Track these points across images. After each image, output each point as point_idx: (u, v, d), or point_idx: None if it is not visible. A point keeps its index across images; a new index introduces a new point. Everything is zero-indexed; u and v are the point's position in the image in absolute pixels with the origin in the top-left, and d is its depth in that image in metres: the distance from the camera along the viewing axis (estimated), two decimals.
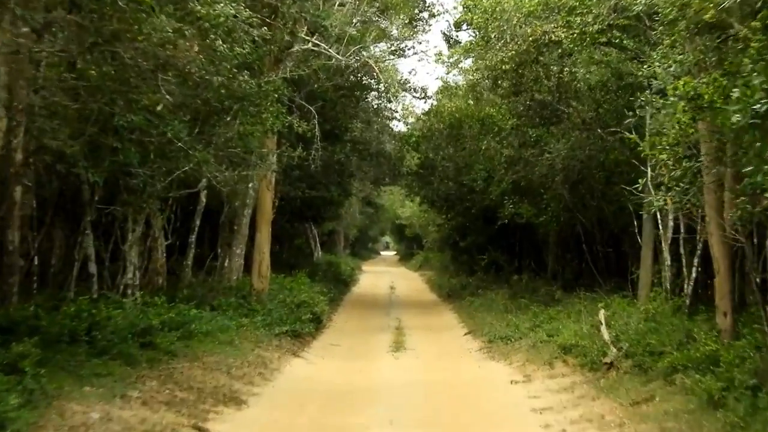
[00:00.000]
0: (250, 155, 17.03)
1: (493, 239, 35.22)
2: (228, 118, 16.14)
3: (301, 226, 38.89)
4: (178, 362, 13.46)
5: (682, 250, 17.38)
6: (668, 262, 17.73)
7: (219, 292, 19.54)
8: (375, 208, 61.41)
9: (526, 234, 32.19)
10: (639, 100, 14.77)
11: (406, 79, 29.49)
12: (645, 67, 14.97)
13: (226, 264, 24.00)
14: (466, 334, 22.18)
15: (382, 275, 54.50)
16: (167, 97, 12.17)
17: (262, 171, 18.61)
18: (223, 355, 14.72)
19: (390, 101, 30.61)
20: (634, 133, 18.41)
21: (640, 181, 14.50)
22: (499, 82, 22.74)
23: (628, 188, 16.54)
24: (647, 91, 14.29)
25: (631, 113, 16.08)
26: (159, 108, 12.26)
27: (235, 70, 14.57)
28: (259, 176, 20.32)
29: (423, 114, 31.91)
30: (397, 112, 31.86)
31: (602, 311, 16.31)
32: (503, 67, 20.30)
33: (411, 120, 31.62)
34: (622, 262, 23.50)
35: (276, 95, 17.04)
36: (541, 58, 20.60)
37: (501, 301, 25.61)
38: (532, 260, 31.38)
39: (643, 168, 16.62)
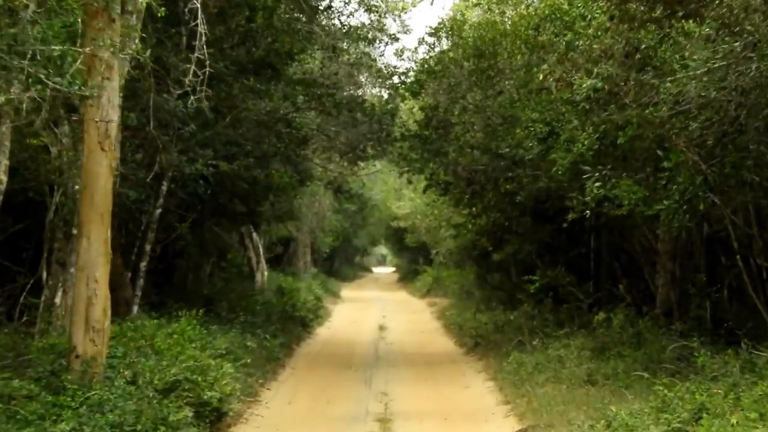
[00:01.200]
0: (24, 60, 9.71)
1: (548, 249, 28.16)
2: None
3: (232, 233, 31.79)
4: None
5: None
6: None
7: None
8: (358, 202, 54.14)
9: (607, 238, 25.09)
10: None
11: None
12: None
13: (58, 300, 17.01)
14: None
15: (370, 305, 47.40)
16: None
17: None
18: None
19: (370, 10, 23.53)
20: None
21: None
22: None
23: None
24: None
25: None
26: None
27: None
28: (87, 120, 13.10)
29: (428, 32, 24.74)
30: (381, 31, 24.72)
31: None
32: None
33: (406, 46, 24.53)
34: None
35: None
36: None
37: (578, 360, 18.50)
38: (623, 284, 24.23)
39: None
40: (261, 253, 35.15)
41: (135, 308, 20.25)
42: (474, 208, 28.32)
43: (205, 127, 20.29)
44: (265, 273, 35.10)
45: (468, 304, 36.89)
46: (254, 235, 34.58)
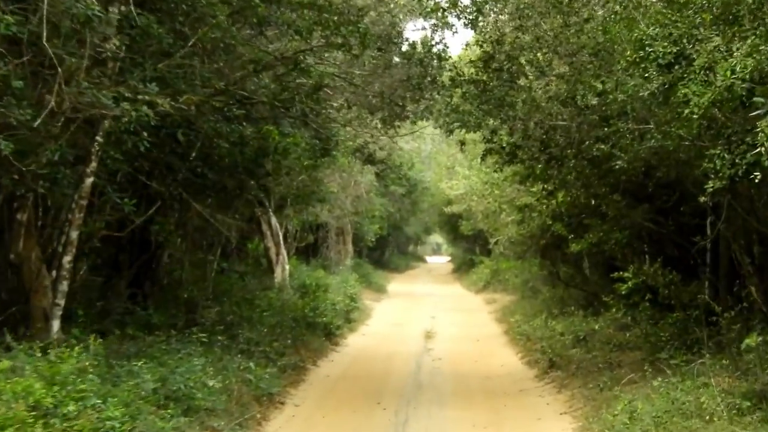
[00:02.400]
0: None
1: (640, 237, 21.29)
2: None
3: (241, 217, 24.99)
4: None
5: None
6: None
7: None
8: (406, 184, 46.91)
9: (733, 222, 17.91)
10: None
11: None
12: None
13: None
14: None
15: (419, 303, 40.49)
16: None
17: None
18: None
19: None
20: None
21: None
22: None
23: None
24: None
25: None
26: None
27: None
28: None
29: None
30: None
31: None
32: None
33: None
34: None
35: None
36: None
37: (729, 415, 11.43)
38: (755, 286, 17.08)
39: None
40: (281, 242, 28.24)
41: (55, 324, 13.51)
42: (548, 183, 21.05)
43: (161, 57, 13.45)
44: (287, 266, 28.19)
45: (533, 304, 29.89)
46: (273, 220, 27.69)
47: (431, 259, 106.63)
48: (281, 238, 28.31)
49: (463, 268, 67.57)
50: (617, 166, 15.84)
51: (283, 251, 28.14)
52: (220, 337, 16.15)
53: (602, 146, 16.28)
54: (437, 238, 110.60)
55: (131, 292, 18.94)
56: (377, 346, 24.68)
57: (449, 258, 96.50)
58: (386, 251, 73.14)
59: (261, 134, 16.86)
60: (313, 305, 24.50)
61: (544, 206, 23.38)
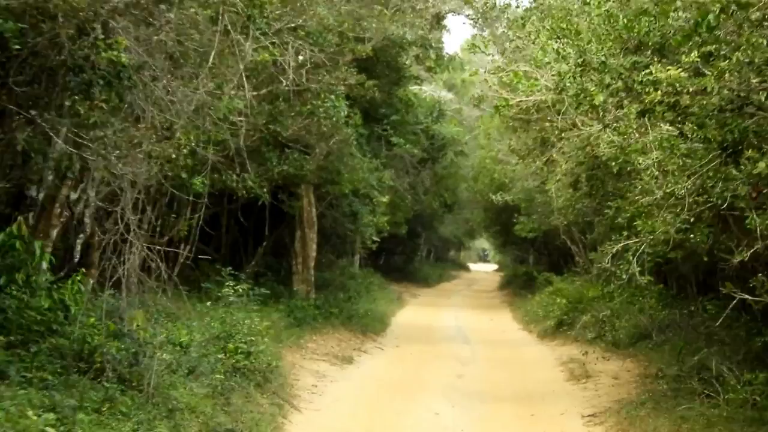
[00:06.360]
0: None
1: None
2: None
3: None
4: None
5: None
6: None
7: None
8: (422, 139, 25.88)
9: None
10: None
11: None
12: None
13: None
14: None
15: (429, 368, 19.36)
16: None
17: None
18: None
19: None
20: None
21: None
22: None
23: None
24: None
25: None
26: None
27: None
28: None
29: None
30: None
31: None
32: None
33: None
34: None
35: None
36: None
37: None
38: None
39: None
40: None
41: None
42: None
43: None
44: None
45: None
46: None
47: (476, 267, 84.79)
48: None
49: (515, 282, 45.64)
50: None
51: None
52: None
53: None
54: (484, 243, 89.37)
55: None
56: None
57: (497, 266, 75.45)
58: (413, 257, 52.35)
59: None
60: None
61: None
